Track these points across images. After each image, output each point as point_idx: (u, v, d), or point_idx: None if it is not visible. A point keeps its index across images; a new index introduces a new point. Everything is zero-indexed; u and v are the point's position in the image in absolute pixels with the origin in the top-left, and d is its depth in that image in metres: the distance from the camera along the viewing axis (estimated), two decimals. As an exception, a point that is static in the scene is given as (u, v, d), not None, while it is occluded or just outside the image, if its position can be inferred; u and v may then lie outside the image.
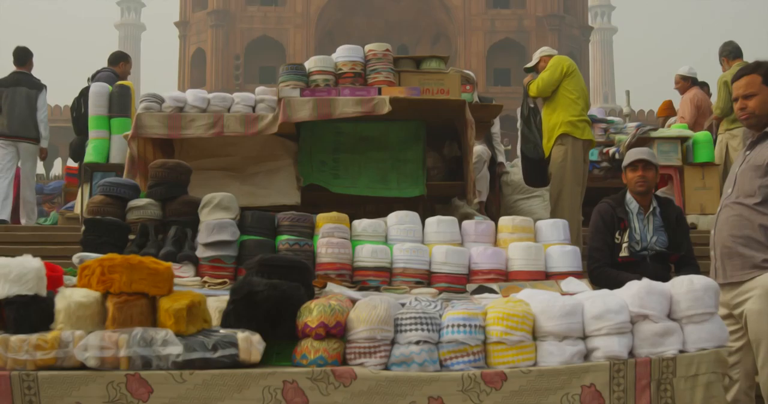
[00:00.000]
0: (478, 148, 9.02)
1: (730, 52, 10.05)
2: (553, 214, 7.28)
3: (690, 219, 8.92)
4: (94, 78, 10.05)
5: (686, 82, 11.26)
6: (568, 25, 47.64)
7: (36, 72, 10.74)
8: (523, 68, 8.95)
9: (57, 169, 41.98)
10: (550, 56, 8.26)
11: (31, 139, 10.45)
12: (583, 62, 48.76)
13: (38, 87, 10.53)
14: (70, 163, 12.45)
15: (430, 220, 5.42)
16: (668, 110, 11.84)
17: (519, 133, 8.29)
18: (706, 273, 4.52)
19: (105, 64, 10.57)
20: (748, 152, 4.43)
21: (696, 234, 7.55)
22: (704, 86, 11.42)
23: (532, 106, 8.18)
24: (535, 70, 8.37)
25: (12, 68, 10.65)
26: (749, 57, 9.50)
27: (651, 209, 5.57)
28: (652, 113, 48.90)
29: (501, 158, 9.95)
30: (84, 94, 9.79)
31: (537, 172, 8.14)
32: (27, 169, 10.73)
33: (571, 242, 5.60)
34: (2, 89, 10.37)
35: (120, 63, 10.57)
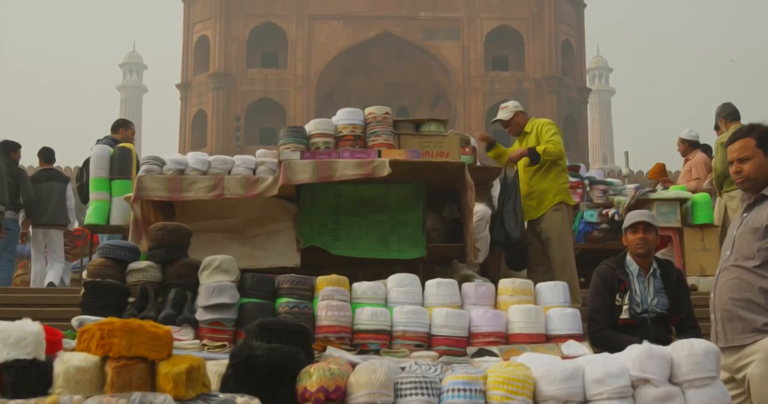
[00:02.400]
0: (480, 208, 9.00)
1: (729, 114, 10.06)
2: (560, 279, 7.21)
3: (690, 280, 8.89)
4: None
5: (686, 145, 11.35)
6: (566, 86, 48.00)
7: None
8: (492, 121, 8.78)
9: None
10: (524, 112, 8.24)
11: (61, 225, 11.95)
12: (581, 123, 49.05)
13: (65, 180, 12.03)
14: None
15: (430, 283, 5.42)
16: (660, 174, 11.82)
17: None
18: (708, 334, 4.51)
19: (103, 122, 11.04)
20: (745, 214, 4.44)
21: (696, 295, 7.54)
22: (707, 149, 11.45)
23: (509, 182, 8.08)
24: (508, 125, 8.27)
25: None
26: (746, 116, 9.58)
27: (651, 271, 5.58)
28: (651, 174, 48.99)
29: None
30: (87, 163, 9.95)
31: (515, 255, 8.09)
32: (56, 247, 11.91)
33: (576, 303, 5.58)
34: (36, 184, 11.67)
35: (120, 129, 10.72)
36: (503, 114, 8.26)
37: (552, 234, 7.78)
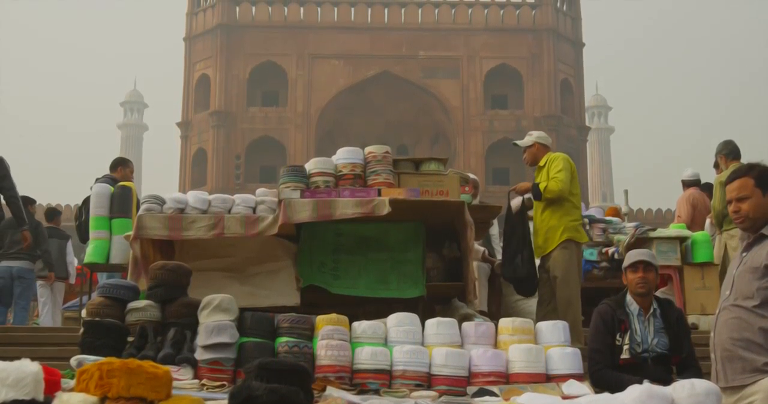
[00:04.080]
0: (483, 265, 9.04)
1: (730, 152, 10.00)
2: (564, 317, 7.19)
3: (691, 319, 8.87)
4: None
5: (683, 185, 11.41)
6: (565, 125, 48.13)
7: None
8: (512, 143, 8.80)
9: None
10: (545, 146, 8.19)
11: (62, 278, 12.93)
12: (581, 162, 49.08)
13: (66, 238, 13.13)
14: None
15: (429, 322, 5.42)
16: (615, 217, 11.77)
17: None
18: (709, 374, 4.50)
19: (103, 161, 11.41)
20: (744, 254, 4.44)
21: (697, 334, 7.51)
22: (705, 187, 11.44)
23: (514, 215, 8.07)
24: (524, 151, 8.30)
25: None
26: (746, 153, 9.60)
27: (651, 311, 5.56)
28: (651, 212, 49.14)
29: (500, 257, 9.92)
30: (86, 202, 9.99)
31: (524, 284, 8.12)
32: (57, 298, 13.07)
33: (578, 343, 5.55)
34: None
35: (118, 168, 10.73)
36: (524, 139, 8.30)
37: (558, 272, 7.76)
